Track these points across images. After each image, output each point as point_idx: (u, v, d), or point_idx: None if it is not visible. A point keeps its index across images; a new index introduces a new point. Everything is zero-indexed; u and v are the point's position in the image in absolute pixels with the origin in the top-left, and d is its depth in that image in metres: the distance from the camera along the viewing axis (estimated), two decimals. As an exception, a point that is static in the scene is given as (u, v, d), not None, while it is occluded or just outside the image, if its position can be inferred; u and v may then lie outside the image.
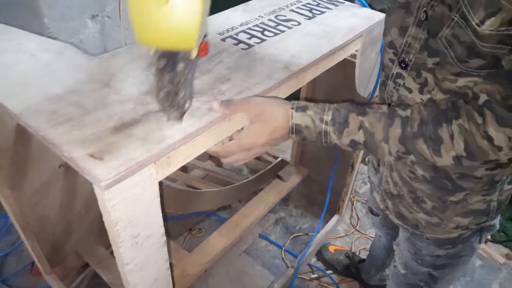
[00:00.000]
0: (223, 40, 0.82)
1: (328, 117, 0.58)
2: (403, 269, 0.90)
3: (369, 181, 1.02)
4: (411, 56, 0.61)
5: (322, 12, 0.98)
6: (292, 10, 0.98)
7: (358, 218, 1.76)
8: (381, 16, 0.99)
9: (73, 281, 1.37)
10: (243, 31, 0.86)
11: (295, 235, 1.67)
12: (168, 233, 0.59)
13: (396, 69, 0.64)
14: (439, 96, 0.58)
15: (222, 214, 1.73)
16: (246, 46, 0.81)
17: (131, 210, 0.53)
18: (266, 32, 0.87)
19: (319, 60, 0.80)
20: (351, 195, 1.81)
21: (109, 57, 0.74)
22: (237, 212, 1.51)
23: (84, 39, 1.48)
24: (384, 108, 0.57)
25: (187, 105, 0.56)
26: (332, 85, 1.32)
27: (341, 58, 0.89)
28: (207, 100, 0.64)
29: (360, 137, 0.57)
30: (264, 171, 1.69)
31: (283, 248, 1.60)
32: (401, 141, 0.55)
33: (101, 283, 1.24)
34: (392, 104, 0.67)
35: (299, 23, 0.92)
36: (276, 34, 0.87)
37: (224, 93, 0.66)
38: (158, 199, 0.56)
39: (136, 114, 0.59)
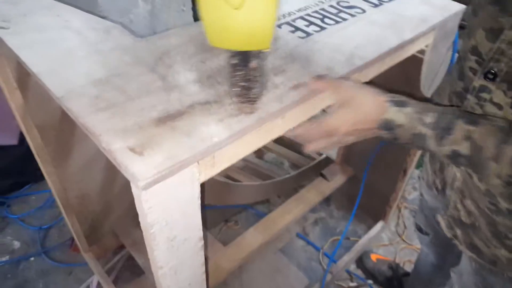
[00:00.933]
0: (279, 26, 0.75)
1: (429, 118, 0.50)
2: None
3: (420, 198, 0.92)
4: (503, 65, 0.50)
5: (390, 0, 0.87)
6: (356, -4, 0.88)
7: (405, 226, 1.64)
8: (458, 7, 0.87)
9: (109, 261, 1.38)
10: (301, 18, 0.78)
11: (335, 237, 1.58)
12: (204, 222, 0.54)
13: (479, 81, 0.54)
14: None
15: (260, 208, 1.68)
16: (304, 34, 0.73)
17: (169, 212, 0.48)
18: (326, 20, 0.78)
19: (386, 55, 0.70)
20: (399, 201, 1.69)
21: (156, 39, 0.69)
22: (276, 208, 1.45)
23: (134, 19, 1.45)
24: (502, 122, 0.48)
25: (258, 99, 0.55)
26: (389, 81, 1.20)
27: (409, 53, 0.79)
28: (259, 96, 0.57)
29: (464, 148, 0.48)
30: (307, 168, 1.61)
31: (321, 251, 1.52)
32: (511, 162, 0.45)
33: (136, 265, 1.24)
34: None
35: (364, 11, 0.82)
36: (337, 22, 0.78)
37: (278, 86, 0.59)
38: (199, 201, 0.51)
39: (181, 105, 0.54)
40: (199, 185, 0.50)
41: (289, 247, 1.54)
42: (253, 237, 1.32)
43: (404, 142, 0.53)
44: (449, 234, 0.73)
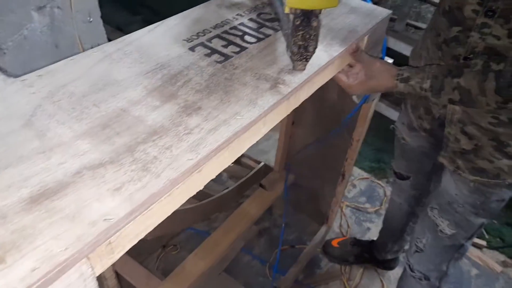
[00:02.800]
0: (192, 49, 0.64)
1: (427, 84, 0.68)
2: (453, 229, 0.89)
3: (402, 143, 1.04)
4: (499, 3, 0.63)
5: (315, 9, 0.80)
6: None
7: (348, 226, 1.63)
8: (385, 12, 0.82)
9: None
10: (218, 36, 0.68)
11: (281, 248, 1.53)
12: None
13: (481, 19, 0.66)
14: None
15: (200, 226, 1.57)
16: (222, 58, 0.63)
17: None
18: (246, 37, 0.69)
19: (315, 75, 0.63)
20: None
21: (35, 78, 0.54)
22: (216, 229, 1.35)
23: (29, 35, 1.24)
24: (479, 65, 0.63)
25: (312, 56, 0.61)
26: (323, 89, 1.15)
27: (340, 68, 0.73)
28: (167, 146, 0.46)
29: (455, 96, 0.65)
30: (245, 180, 1.53)
31: (268, 264, 1.46)
32: (498, 92, 0.61)
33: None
34: (473, 56, 0.71)
35: (288, 24, 0.74)
36: (259, 39, 0.69)
37: (192, 131, 0.49)
38: (98, 301, 0.40)
39: (64, 174, 0.41)
40: (96, 279, 0.39)
41: (234, 265, 1.46)
42: (193, 266, 1.21)
43: (413, 100, 0.77)
44: (451, 168, 0.84)
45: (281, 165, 1.58)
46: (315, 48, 0.60)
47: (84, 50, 1.32)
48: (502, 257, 1.56)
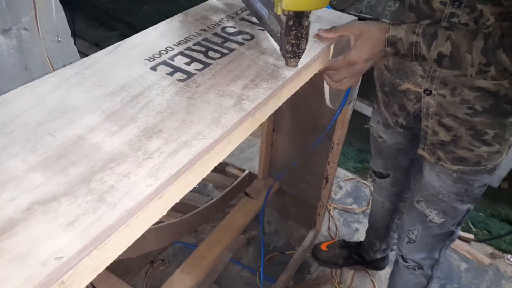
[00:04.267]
0: (154, 68, 0.63)
1: (419, 29, 0.67)
2: (441, 217, 0.91)
3: (379, 141, 1.05)
4: None
5: (280, 18, 0.80)
6: (243, 19, 0.79)
7: (337, 228, 1.63)
8: (349, 18, 0.82)
9: None
10: (181, 53, 0.67)
11: (269, 255, 1.52)
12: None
13: (449, 9, 0.69)
14: (494, 25, 0.64)
15: (187, 239, 1.55)
16: (185, 76, 0.62)
17: None
18: (210, 53, 0.68)
19: (280, 88, 0.62)
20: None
21: (-12, 109, 0.53)
22: (202, 241, 1.33)
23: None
24: (465, 29, 0.64)
25: (303, 53, 0.65)
26: (299, 93, 1.14)
27: (307, 78, 0.72)
28: (124, 173, 0.45)
29: (447, 48, 0.65)
30: (230, 189, 1.52)
31: (258, 273, 1.45)
32: (484, 52, 0.62)
33: None
34: None
35: (252, 37, 0.73)
36: (223, 54, 0.68)
37: (152, 156, 0.48)
38: None
39: (14, 211, 0.40)
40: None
41: (224, 277, 1.45)
42: (180, 282, 1.20)
43: (404, 53, 0.69)
44: (432, 160, 0.85)
45: (265, 173, 1.57)
46: (306, 45, 0.64)
47: (54, 69, 1.30)
48: (490, 249, 1.57)
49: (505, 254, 1.54)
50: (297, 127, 1.36)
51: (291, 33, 0.61)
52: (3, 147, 0.47)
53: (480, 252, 1.55)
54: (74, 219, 0.40)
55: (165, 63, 0.64)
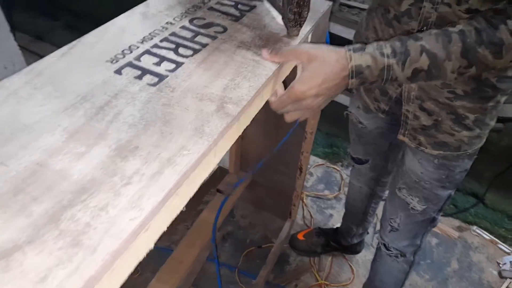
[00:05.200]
0: (118, 72, 0.55)
1: (387, 50, 0.57)
2: (423, 204, 0.90)
3: (360, 127, 1.02)
4: None
5: (251, 8, 0.73)
6: (211, 8, 0.71)
7: (311, 216, 1.62)
8: (326, 4, 0.77)
9: None
10: (148, 52, 0.59)
11: (247, 250, 1.48)
12: None
13: None
14: (475, 4, 0.59)
15: (159, 242, 1.47)
16: (156, 79, 0.54)
17: None
18: (181, 50, 0.60)
19: (264, 87, 0.56)
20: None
21: None
22: (178, 244, 1.27)
23: None
24: (433, 31, 0.57)
25: (305, 21, 0.65)
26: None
27: (288, 72, 0.67)
28: (101, 206, 0.38)
29: (423, 62, 0.57)
30: (201, 186, 1.45)
31: (236, 270, 1.41)
32: (463, 54, 0.56)
33: None
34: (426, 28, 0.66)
35: (225, 29, 0.67)
36: (196, 51, 0.61)
37: (131, 181, 0.41)
38: None
39: (-35, 272, 0.32)
40: None
41: (202, 277, 1.40)
42: (158, 290, 1.13)
43: (373, 80, 0.58)
44: (413, 145, 0.83)
45: (236, 166, 1.51)
46: (308, 13, 0.64)
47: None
48: (457, 223, 1.63)
49: (471, 226, 1.61)
50: (268, 117, 1.31)
51: (293, 1, 0.61)
52: None
53: (448, 226, 1.61)
54: (46, 273, 0.32)
55: (130, 64, 0.56)
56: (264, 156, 1.39)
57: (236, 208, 1.62)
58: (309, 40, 0.72)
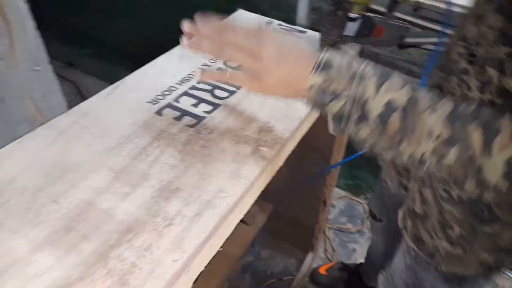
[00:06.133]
0: (159, 113, 0.58)
1: (368, 64, 0.45)
2: None
3: (383, 186, 0.94)
4: (482, 48, 0.52)
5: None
6: (245, 50, 0.75)
7: (333, 249, 1.60)
8: (356, 47, 0.80)
9: None
10: (186, 93, 0.62)
11: (267, 282, 1.47)
12: None
13: (463, 64, 0.55)
14: (499, 100, 0.49)
15: (181, 270, 1.47)
16: (194, 120, 0.57)
17: None
18: (217, 92, 0.63)
19: (297, 129, 0.59)
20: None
21: (-23, 174, 0.46)
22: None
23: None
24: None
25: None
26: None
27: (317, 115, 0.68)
28: (145, 246, 0.40)
29: (401, 97, 0.43)
30: (224, 216, 1.46)
31: (257, 302, 1.40)
32: (450, 119, 0.42)
33: None
34: None
35: (258, 70, 0.70)
36: (231, 93, 0.64)
37: (173, 222, 0.43)
38: None
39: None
40: None
41: (222, 309, 1.38)
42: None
43: (337, 88, 0.44)
44: (400, 224, 0.75)
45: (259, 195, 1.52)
46: (337, 37, 0.73)
47: (32, 100, 1.22)
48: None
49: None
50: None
51: (330, 17, 0.73)
52: (0, 221, 0.41)
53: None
54: (95, 311, 0.34)
55: (170, 106, 0.59)
56: (289, 186, 1.40)
57: (257, 238, 1.61)
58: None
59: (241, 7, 0.90)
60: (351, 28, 0.88)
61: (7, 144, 0.50)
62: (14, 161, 0.48)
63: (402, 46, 2.18)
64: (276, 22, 0.85)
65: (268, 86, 0.48)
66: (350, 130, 0.46)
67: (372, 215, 1.08)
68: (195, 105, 0.60)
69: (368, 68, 0.44)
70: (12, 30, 1.09)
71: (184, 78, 0.66)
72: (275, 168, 0.55)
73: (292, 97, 0.49)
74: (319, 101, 0.46)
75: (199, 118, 0.57)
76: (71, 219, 0.42)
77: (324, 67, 0.45)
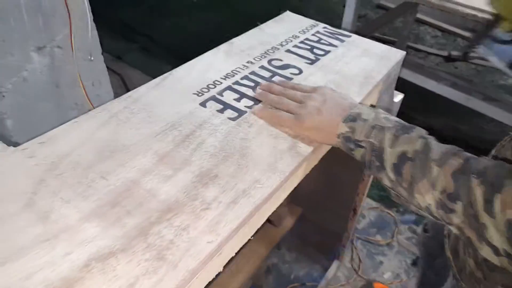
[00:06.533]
0: (203, 104, 0.60)
1: (391, 117, 0.52)
2: None
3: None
4: None
5: (326, 52, 0.77)
6: (288, 51, 0.76)
7: (360, 260, 1.57)
8: (399, 54, 0.79)
9: None
10: (230, 88, 0.65)
11: (290, 286, 1.47)
12: None
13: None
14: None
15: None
16: (235, 114, 0.59)
17: None
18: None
19: (334, 130, 0.59)
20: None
21: (37, 147, 0.50)
22: (223, 270, 1.29)
23: (29, 76, 1.21)
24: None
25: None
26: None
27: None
28: (183, 226, 0.42)
29: (416, 146, 0.47)
30: (253, 215, 1.48)
31: (279, 304, 1.40)
32: (455, 174, 0.44)
33: None
34: None
35: (300, 71, 0.71)
36: (273, 90, 0.65)
37: (210, 206, 0.45)
38: None
39: (71, 267, 0.37)
40: None
41: (243, 306, 1.39)
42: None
43: (357, 139, 0.51)
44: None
45: (288, 199, 1.53)
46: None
47: (84, 87, 1.29)
48: None
49: None
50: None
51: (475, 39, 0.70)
52: (55, 191, 0.45)
53: None
54: (134, 281, 0.37)
55: (214, 98, 0.62)
56: (320, 191, 1.40)
57: (283, 240, 1.62)
58: (379, 88, 0.74)
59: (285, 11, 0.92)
60: (503, 53, 0.62)
61: (59, 125, 0.54)
62: (69, 139, 0.52)
63: None
64: (322, 25, 0.86)
65: (306, 129, 0.55)
66: (376, 175, 0.52)
67: (424, 229, 1.07)
68: (238, 100, 0.62)
69: (389, 121, 0.50)
70: (72, 21, 1.16)
71: (228, 73, 0.68)
72: (310, 165, 0.56)
73: (326, 142, 0.56)
74: (346, 147, 0.53)
75: (240, 112, 0.59)
76: (117, 195, 0.45)
77: (352, 118, 0.52)
